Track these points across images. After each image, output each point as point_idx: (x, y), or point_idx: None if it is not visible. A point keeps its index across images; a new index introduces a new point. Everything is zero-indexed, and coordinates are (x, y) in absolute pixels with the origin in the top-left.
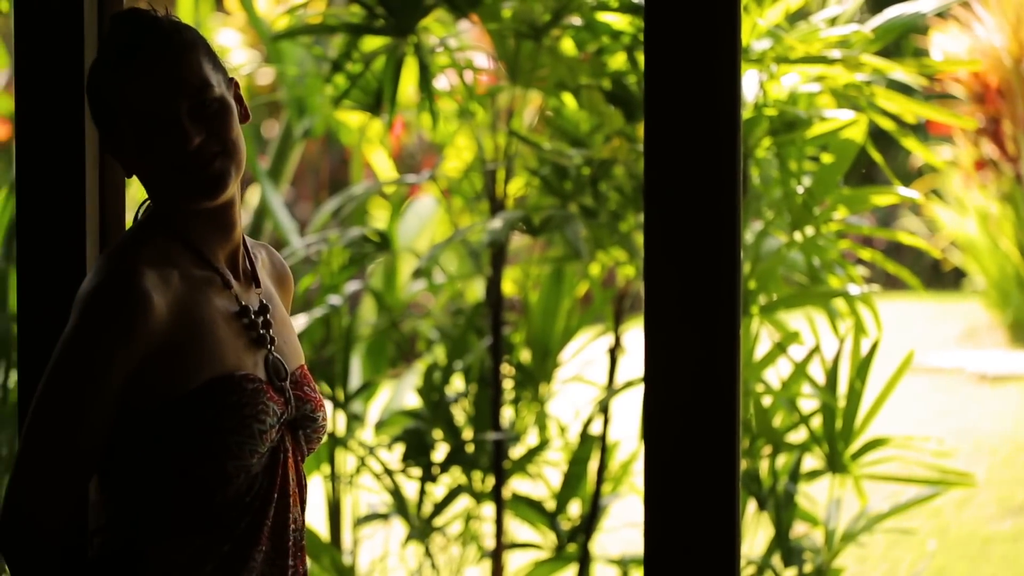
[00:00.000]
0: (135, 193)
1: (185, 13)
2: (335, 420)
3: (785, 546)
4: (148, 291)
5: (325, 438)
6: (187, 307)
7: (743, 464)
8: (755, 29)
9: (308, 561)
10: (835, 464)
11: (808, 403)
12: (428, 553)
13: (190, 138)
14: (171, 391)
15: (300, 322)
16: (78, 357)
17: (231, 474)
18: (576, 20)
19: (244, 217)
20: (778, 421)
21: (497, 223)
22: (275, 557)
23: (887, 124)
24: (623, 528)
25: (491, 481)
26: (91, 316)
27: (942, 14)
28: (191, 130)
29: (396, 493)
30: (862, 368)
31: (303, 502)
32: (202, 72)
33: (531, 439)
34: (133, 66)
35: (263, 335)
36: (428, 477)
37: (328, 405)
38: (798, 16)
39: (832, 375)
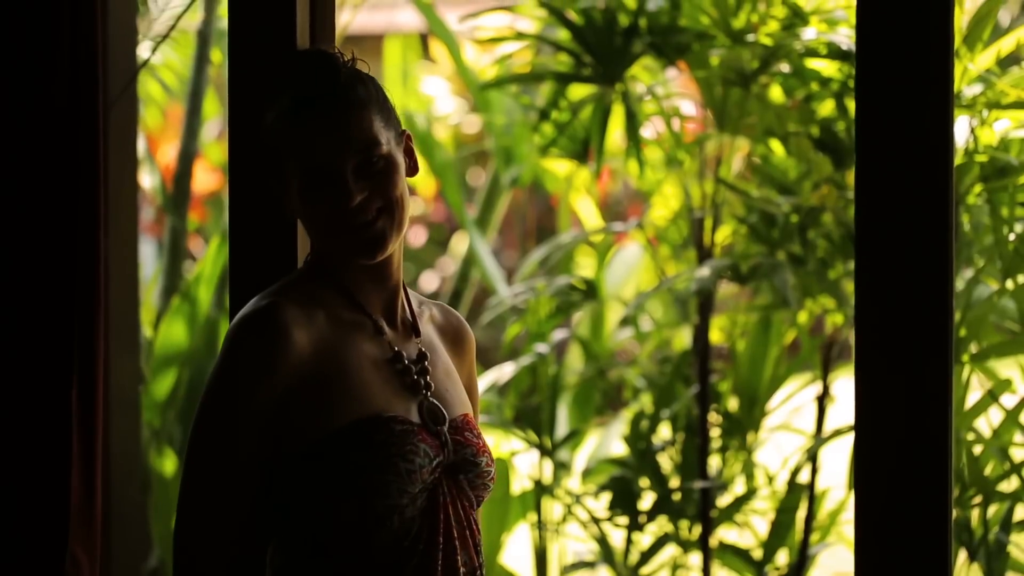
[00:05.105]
0: None
1: (392, 62)
2: (541, 468)
3: None
4: (287, 324)
5: (502, 483)
6: (332, 347)
7: (954, 513)
8: (966, 74)
9: None
10: None
11: (1020, 452)
12: None
13: (352, 196)
14: (316, 430)
15: (507, 371)
16: (221, 387)
17: (382, 514)
18: (784, 67)
19: (451, 265)
20: (989, 470)
21: (704, 271)
22: None
23: None
24: None
25: (698, 530)
26: (232, 347)
27: None
28: (354, 188)
29: (603, 541)
30: None
31: (476, 547)
32: (372, 130)
33: (738, 488)
34: (304, 120)
35: (417, 381)
36: (635, 525)
37: (535, 453)
38: (1010, 61)
39: None
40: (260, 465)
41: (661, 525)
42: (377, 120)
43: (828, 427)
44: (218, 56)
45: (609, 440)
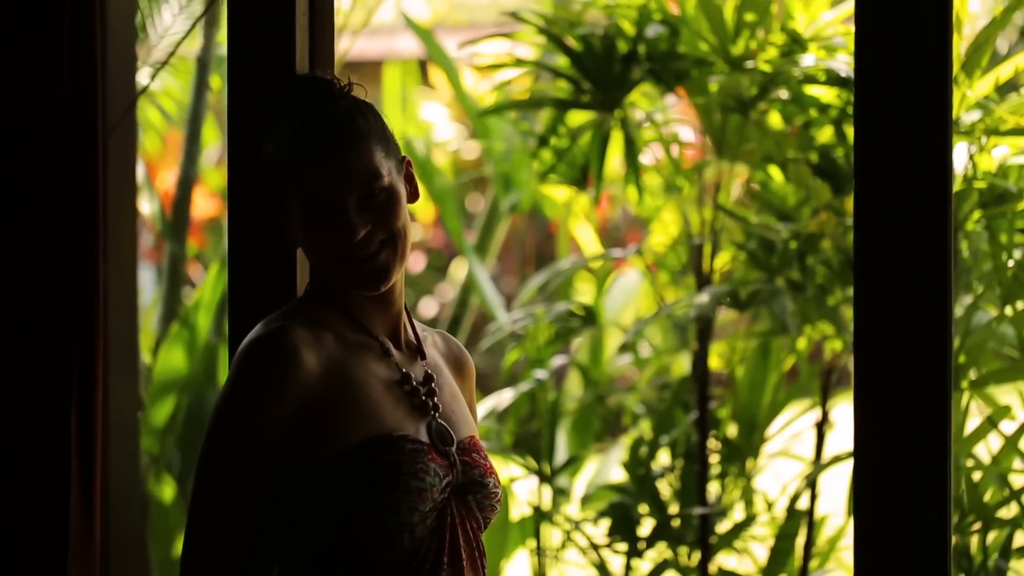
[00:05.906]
0: None
1: (391, 88)
2: (540, 494)
3: None
4: (296, 345)
5: (501, 509)
6: (341, 367)
7: (953, 540)
8: (964, 101)
9: None
10: None
11: (1020, 479)
12: None
13: (355, 230)
14: (327, 450)
15: (506, 397)
16: (232, 408)
17: (392, 532)
18: (783, 93)
19: (451, 291)
20: (989, 497)
21: (703, 297)
22: None
23: None
24: None
25: (697, 556)
26: (242, 370)
27: None
28: (357, 222)
29: (602, 568)
30: None
31: (483, 569)
32: (372, 162)
33: (738, 514)
34: (304, 155)
35: (425, 402)
36: (634, 552)
37: (534, 479)
38: (1008, 87)
39: None
40: (269, 486)
41: (660, 551)
42: (378, 151)
43: (827, 453)
44: (217, 82)
45: (608, 466)
